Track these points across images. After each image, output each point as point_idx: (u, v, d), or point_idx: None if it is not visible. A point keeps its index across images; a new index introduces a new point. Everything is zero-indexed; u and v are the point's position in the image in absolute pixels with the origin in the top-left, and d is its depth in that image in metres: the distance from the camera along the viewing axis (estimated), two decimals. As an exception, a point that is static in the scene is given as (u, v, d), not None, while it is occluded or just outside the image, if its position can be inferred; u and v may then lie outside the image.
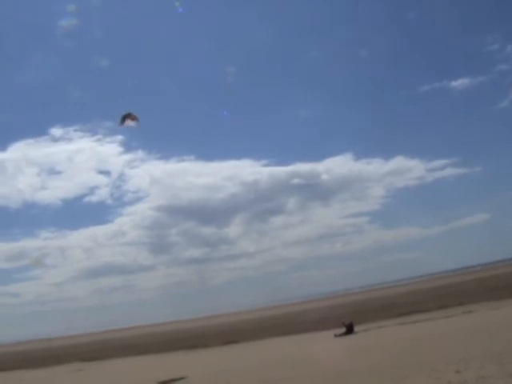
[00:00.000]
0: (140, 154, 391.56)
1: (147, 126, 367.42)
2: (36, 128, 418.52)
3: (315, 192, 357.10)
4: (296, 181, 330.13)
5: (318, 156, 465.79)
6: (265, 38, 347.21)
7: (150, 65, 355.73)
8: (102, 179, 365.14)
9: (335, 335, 35.44)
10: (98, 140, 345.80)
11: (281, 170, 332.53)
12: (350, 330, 36.06)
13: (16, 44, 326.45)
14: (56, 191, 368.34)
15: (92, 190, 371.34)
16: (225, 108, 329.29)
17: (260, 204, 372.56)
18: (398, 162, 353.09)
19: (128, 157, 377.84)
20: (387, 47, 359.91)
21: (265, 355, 31.51)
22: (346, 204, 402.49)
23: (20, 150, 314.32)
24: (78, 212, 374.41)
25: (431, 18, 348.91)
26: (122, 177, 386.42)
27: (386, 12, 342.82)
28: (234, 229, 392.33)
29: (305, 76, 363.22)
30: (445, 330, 28.86)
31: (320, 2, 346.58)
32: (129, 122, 23.98)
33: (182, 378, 22.70)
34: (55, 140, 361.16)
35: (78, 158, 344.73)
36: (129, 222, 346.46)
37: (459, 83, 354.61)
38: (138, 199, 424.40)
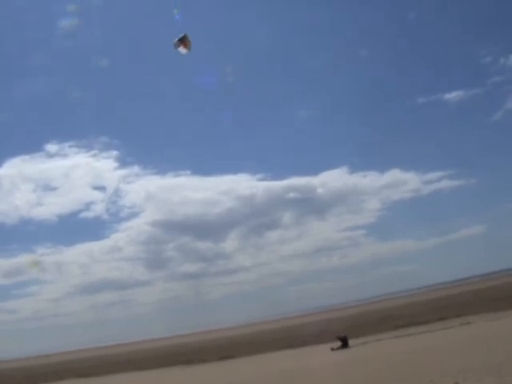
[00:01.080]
0: (135, 169, 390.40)
1: (143, 141, 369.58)
2: (31, 144, 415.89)
3: (311, 206, 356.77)
4: (292, 195, 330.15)
5: (314, 170, 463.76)
6: (264, 42, 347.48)
7: (148, 67, 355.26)
8: (97, 195, 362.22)
9: (332, 349, 35.31)
10: (94, 155, 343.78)
11: (276, 185, 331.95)
12: (345, 343, 35.95)
13: (13, 54, 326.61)
14: (52, 207, 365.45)
15: (88, 205, 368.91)
16: (221, 115, 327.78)
17: (256, 218, 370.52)
18: (394, 174, 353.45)
19: (123, 172, 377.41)
20: (382, 62, 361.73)
21: (262, 369, 31.35)
22: (342, 217, 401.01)
23: (16, 167, 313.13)
24: (74, 228, 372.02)
25: (426, 32, 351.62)
26: (117, 192, 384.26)
27: (386, 17, 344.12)
28: (230, 243, 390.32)
29: (300, 86, 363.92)
30: (443, 341, 28.79)
31: (320, 3, 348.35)
32: (182, 49, 22.71)
33: None
34: (51, 156, 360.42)
35: (73, 174, 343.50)
36: (125, 237, 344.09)
37: (454, 95, 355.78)
38: (134, 214, 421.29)
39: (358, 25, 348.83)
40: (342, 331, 40.18)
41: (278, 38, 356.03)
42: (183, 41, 22.21)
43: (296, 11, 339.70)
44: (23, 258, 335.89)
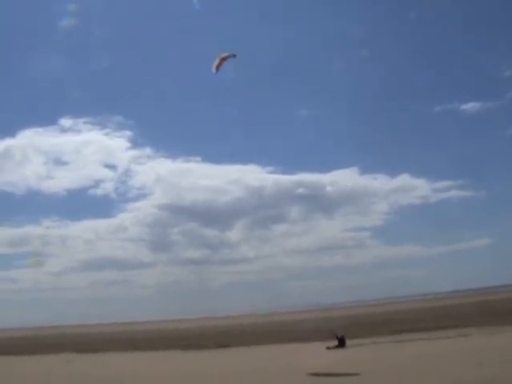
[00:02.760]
0: (147, 150, 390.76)
1: (156, 124, 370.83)
2: (46, 117, 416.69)
3: (319, 203, 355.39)
4: (301, 190, 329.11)
5: (324, 168, 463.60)
6: (270, 41, 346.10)
7: (163, 64, 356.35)
8: (107, 173, 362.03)
9: (327, 347, 35.34)
10: (107, 134, 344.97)
11: (286, 179, 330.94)
12: (341, 343, 35.95)
13: (28, 37, 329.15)
14: (61, 181, 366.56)
15: (97, 182, 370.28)
16: (234, 111, 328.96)
17: (263, 210, 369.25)
18: (404, 179, 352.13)
19: (135, 153, 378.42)
20: (402, 67, 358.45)
21: (259, 361, 31.52)
22: (349, 217, 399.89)
23: (28, 138, 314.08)
24: (82, 204, 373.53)
25: (448, 42, 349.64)
26: (127, 172, 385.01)
27: (403, 31, 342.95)
28: (235, 233, 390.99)
29: (316, 87, 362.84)
30: (440, 350, 28.77)
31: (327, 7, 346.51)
32: (214, 67, 22.57)
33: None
34: (64, 130, 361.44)
35: (85, 150, 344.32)
36: (131, 217, 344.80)
37: (470, 106, 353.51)
38: (142, 196, 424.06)
39: (376, 30, 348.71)
40: (340, 330, 40.20)
41: (296, 38, 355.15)
42: (222, 60, 21.82)
43: (309, 17, 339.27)
44: (29, 229, 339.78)
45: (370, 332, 44.51)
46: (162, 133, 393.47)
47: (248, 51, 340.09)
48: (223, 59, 22.64)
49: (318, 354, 33.18)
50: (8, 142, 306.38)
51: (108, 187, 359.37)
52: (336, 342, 36.06)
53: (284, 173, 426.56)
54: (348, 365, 26.24)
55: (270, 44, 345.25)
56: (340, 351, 34.05)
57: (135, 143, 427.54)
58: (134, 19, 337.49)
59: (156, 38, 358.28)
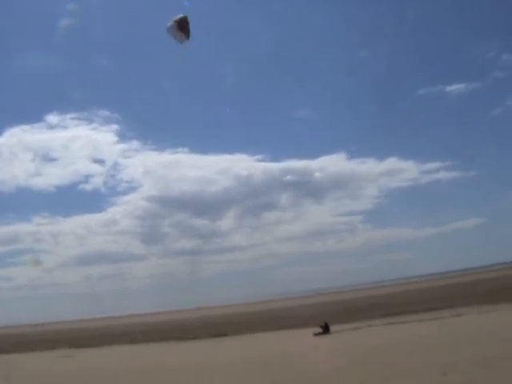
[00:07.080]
0: (135, 144, 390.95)
1: (143, 117, 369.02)
2: (32, 114, 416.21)
3: (308, 189, 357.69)
4: (289, 177, 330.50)
5: (312, 154, 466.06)
6: (265, 35, 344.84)
7: (147, 58, 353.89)
8: (96, 168, 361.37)
9: (314, 334, 35.82)
10: (94, 128, 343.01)
11: (274, 166, 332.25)
12: (326, 329, 36.37)
13: (16, 35, 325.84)
14: (50, 178, 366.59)
15: (86, 178, 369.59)
16: (222, 103, 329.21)
17: (253, 199, 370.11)
18: (392, 162, 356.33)
19: (123, 146, 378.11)
20: (385, 50, 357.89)
21: (253, 350, 31.64)
22: (339, 202, 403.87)
23: (16, 136, 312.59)
24: (72, 199, 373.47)
25: (430, 24, 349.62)
26: (116, 166, 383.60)
27: (386, 14, 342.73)
28: (226, 222, 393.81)
29: (302, 75, 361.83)
30: (433, 332, 28.96)
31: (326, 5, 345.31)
32: (181, 37, 18.75)
33: None
34: (51, 127, 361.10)
35: (73, 146, 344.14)
36: (122, 211, 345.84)
37: (454, 88, 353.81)
38: (132, 189, 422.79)
39: (361, 17, 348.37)
40: (324, 318, 40.37)
41: (279, 30, 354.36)
42: (182, 26, 18.43)
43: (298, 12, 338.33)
44: (20, 226, 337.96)
45: (363, 316, 44.78)
46: (149, 125, 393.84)
47: (239, 45, 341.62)
48: (181, 25, 18.99)
49: (307, 340, 33.55)
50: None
51: (97, 182, 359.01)
52: (321, 329, 36.55)
53: (272, 160, 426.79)
54: (338, 349, 26.45)
55: (263, 39, 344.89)
56: (328, 337, 34.45)
57: (123, 137, 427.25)
58: (123, 17, 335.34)
59: (143, 34, 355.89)
